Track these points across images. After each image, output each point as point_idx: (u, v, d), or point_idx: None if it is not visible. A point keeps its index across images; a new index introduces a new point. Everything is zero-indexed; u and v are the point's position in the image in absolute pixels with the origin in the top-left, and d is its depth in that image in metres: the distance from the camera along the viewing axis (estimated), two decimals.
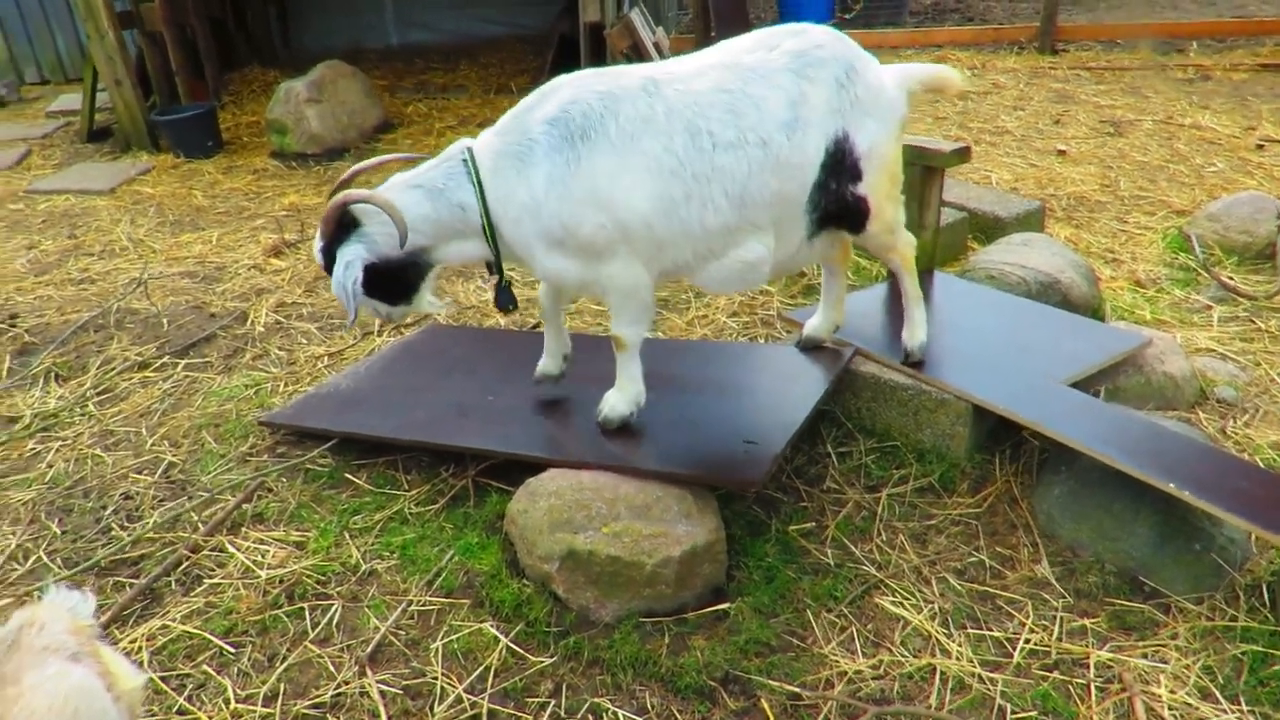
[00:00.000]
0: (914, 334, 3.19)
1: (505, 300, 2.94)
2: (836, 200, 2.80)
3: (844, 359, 3.26)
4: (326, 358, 4.07)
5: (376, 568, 2.83)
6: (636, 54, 6.92)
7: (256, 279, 4.94)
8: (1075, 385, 3.06)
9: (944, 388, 3.04)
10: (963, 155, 3.72)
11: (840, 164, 2.75)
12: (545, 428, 3.18)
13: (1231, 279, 4.20)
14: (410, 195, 2.68)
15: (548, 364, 3.29)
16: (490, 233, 2.70)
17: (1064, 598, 2.62)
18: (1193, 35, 8.96)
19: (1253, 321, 3.89)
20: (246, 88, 8.91)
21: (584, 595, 2.58)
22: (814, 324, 3.38)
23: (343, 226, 2.69)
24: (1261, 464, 2.99)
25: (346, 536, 2.96)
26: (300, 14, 10.86)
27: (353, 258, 2.68)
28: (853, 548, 2.84)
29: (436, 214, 2.68)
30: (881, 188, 2.85)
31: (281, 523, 3.04)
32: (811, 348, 3.39)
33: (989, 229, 4.59)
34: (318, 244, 2.76)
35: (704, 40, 9.06)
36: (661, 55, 6.98)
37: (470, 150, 2.70)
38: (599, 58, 7.35)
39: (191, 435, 3.53)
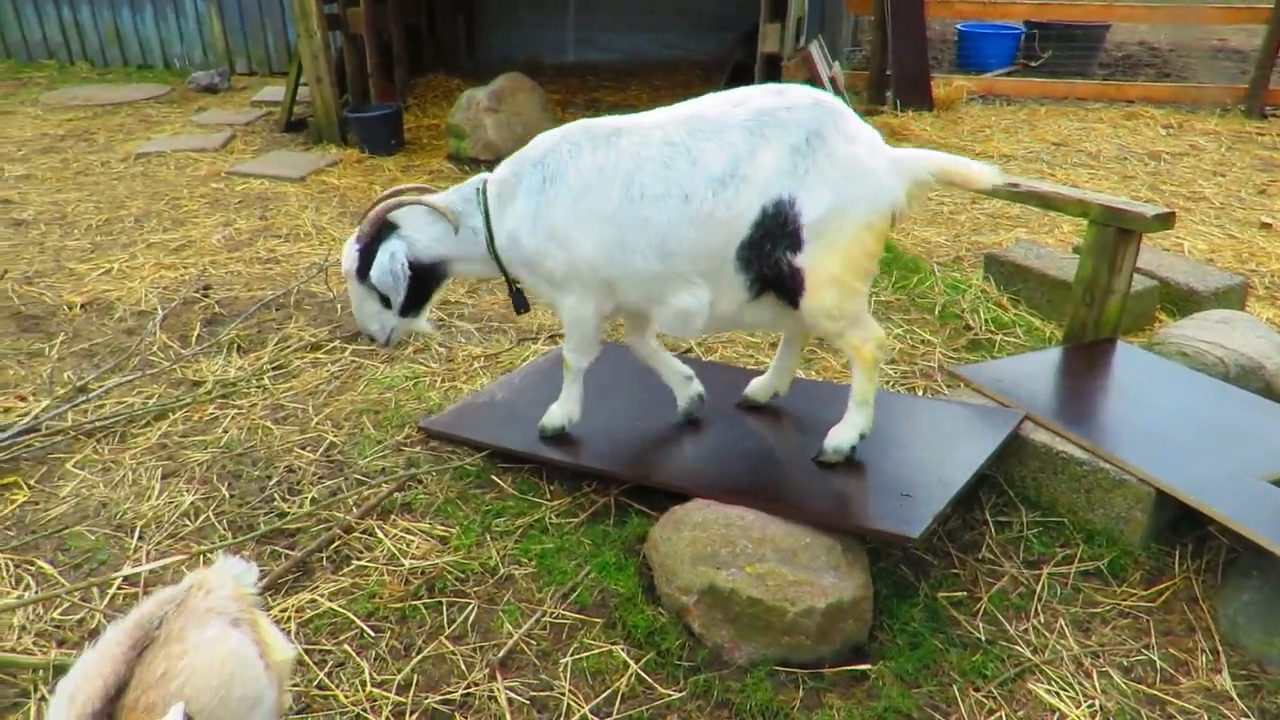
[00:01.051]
0: (840, 434, 2.98)
1: (519, 304, 3.25)
2: (772, 265, 2.72)
3: (1013, 423, 3.09)
4: (483, 359, 4.18)
5: (514, 573, 2.86)
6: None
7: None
8: (1277, 483, 2.78)
9: (1125, 467, 2.83)
10: (1165, 221, 3.47)
11: (779, 228, 2.67)
12: (692, 458, 3.15)
13: None
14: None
15: (682, 393, 3.38)
16: (494, 253, 3.07)
17: (1246, 717, 2.37)
18: None
19: None
20: (430, 92, 9.35)
21: (719, 633, 2.52)
22: (754, 385, 3.39)
23: (381, 230, 3.07)
24: None
25: (488, 538, 3.00)
26: (486, 26, 11.33)
27: (396, 249, 3.03)
28: (1007, 625, 2.67)
29: (458, 231, 3.08)
30: (826, 267, 2.69)
31: (428, 515, 3.12)
32: (750, 408, 3.39)
33: (1181, 301, 4.27)
34: (354, 244, 3.08)
35: (880, 76, 8.91)
36: (837, 91, 6.90)
37: (485, 183, 3.06)
38: None
39: (353, 419, 3.69)
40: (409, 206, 3.08)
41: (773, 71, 7.23)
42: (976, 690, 2.45)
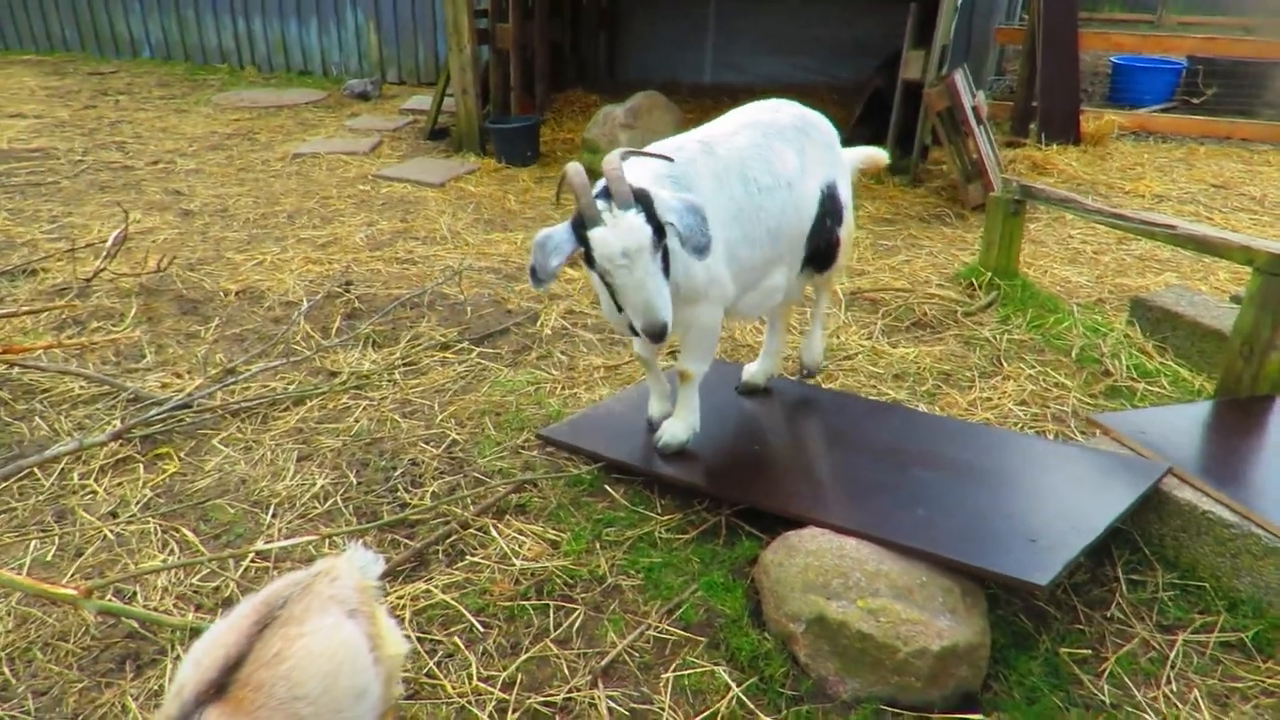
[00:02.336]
0: (815, 350, 3.80)
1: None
2: (825, 238, 3.35)
3: (1155, 475, 2.92)
4: (603, 369, 4.24)
5: (621, 583, 2.88)
6: (951, 117, 6.69)
7: (551, 285, 5.25)
8: None
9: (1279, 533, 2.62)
10: None
11: (832, 208, 3.35)
12: (809, 486, 3.10)
13: None
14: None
15: (662, 406, 3.50)
16: None
17: None
18: None
19: None
20: (568, 106, 9.59)
21: (825, 665, 2.47)
22: (751, 370, 3.76)
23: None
24: None
25: (597, 546, 3.04)
26: (627, 44, 11.55)
27: (679, 196, 2.66)
28: (1135, 690, 2.51)
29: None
30: (848, 236, 3.48)
31: (541, 519, 3.18)
32: (750, 393, 3.73)
33: None
34: (629, 213, 2.54)
35: (1025, 108, 8.61)
36: (980, 121, 6.70)
37: None
38: (910, 115, 7.18)
39: (475, 419, 3.80)
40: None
41: (912, 99, 7.09)
42: None
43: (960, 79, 6.76)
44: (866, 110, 8.21)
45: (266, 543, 3.01)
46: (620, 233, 2.53)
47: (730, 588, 2.82)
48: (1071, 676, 2.55)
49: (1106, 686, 2.52)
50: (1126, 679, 2.54)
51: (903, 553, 2.59)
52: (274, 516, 3.18)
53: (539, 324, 4.73)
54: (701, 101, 10.24)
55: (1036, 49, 8.25)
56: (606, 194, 2.61)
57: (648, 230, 2.54)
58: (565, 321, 4.75)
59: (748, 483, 3.14)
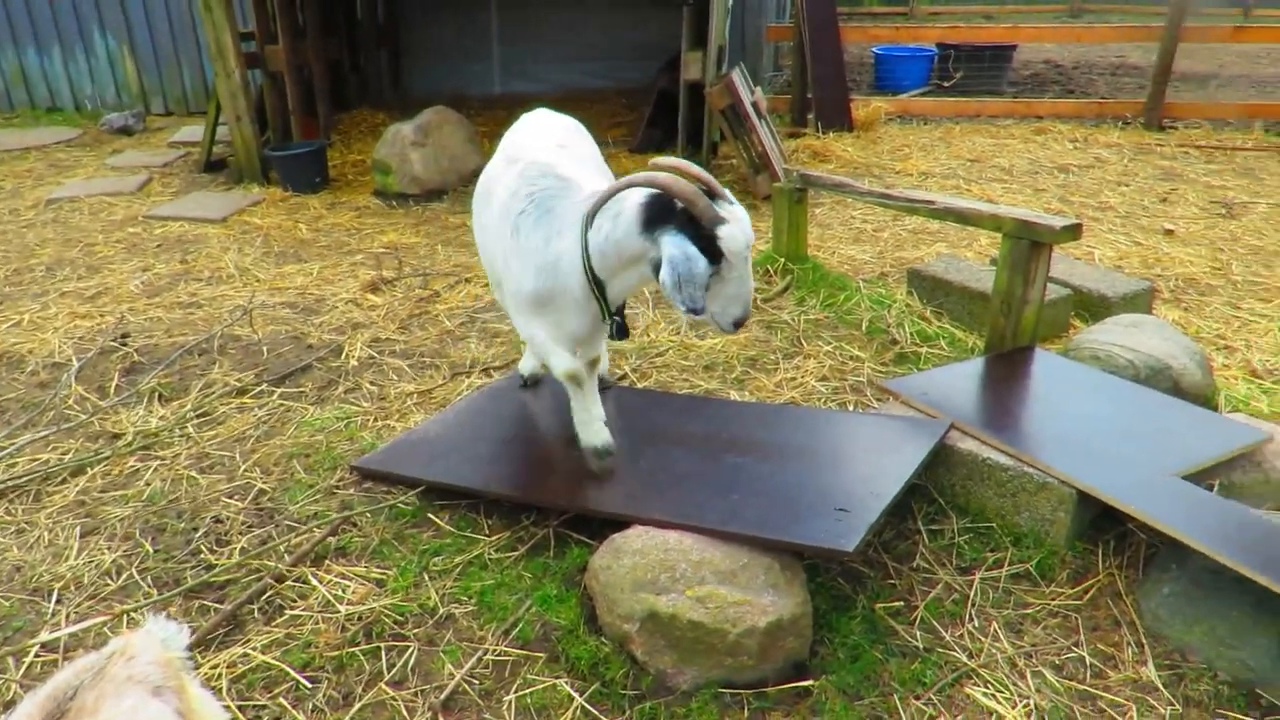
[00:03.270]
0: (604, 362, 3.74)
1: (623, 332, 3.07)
2: None
3: (939, 432, 3.17)
4: (416, 395, 4.12)
5: (454, 612, 2.82)
6: (735, 113, 6.99)
7: (353, 313, 5.07)
8: (1187, 478, 2.90)
9: (1047, 470, 2.91)
10: (1074, 232, 3.61)
11: None
12: (629, 485, 3.15)
13: None
14: None
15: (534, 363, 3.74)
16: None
17: (1172, 705, 2.45)
18: None
19: None
20: (355, 128, 9.27)
21: (662, 659, 2.52)
22: (531, 364, 3.90)
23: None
24: None
25: (426, 578, 2.95)
26: (411, 60, 11.30)
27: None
28: (943, 632, 2.72)
29: None
30: None
31: (364, 559, 3.06)
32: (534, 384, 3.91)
33: (1094, 308, 4.44)
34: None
35: (801, 100, 9.12)
36: (760, 115, 7.03)
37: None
38: (697, 114, 7.44)
39: (282, 464, 3.60)
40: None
41: (696, 98, 7.34)
42: (917, 698, 2.49)
43: (738, 77, 7.07)
44: (655, 112, 8.43)
45: (52, 632, 2.72)
46: (742, 225, 2.60)
47: (564, 598, 2.82)
48: (888, 629, 2.72)
49: (919, 633, 2.71)
50: (935, 623, 2.75)
51: (723, 538, 2.68)
52: (58, 602, 2.88)
53: (344, 356, 4.55)
54: (494, 113, 10.17)
55: (805, 45, 8.76)
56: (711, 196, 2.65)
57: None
58: (371, 350, 4.59)
59: (571, 490, 3.15)
